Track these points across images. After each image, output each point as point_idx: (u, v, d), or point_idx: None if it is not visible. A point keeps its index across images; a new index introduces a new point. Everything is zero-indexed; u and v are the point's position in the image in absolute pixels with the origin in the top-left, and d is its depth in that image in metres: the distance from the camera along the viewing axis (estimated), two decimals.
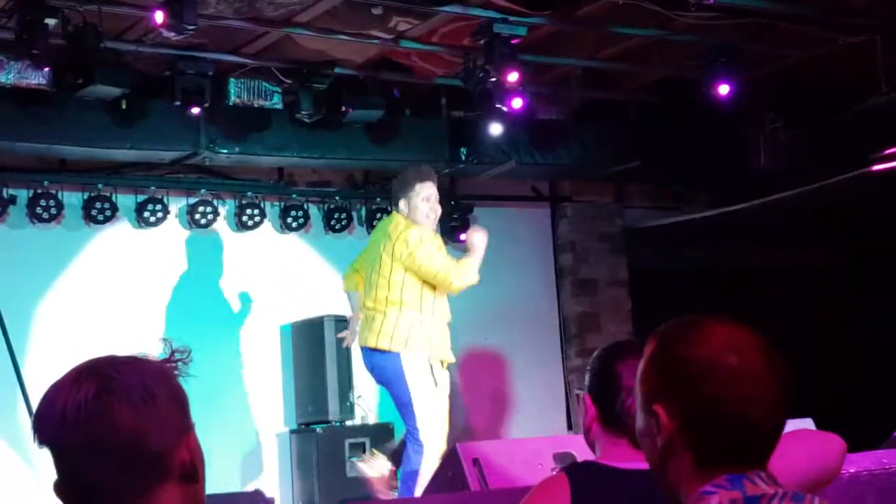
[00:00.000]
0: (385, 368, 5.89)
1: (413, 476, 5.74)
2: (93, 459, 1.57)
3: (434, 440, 5.81)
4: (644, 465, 2.33)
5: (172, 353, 1.68)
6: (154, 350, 1.71)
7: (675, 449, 1.70)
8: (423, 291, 5.89)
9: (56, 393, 1.61)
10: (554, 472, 4.49)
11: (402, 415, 5.93)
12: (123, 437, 1.57)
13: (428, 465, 5.68)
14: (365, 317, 5.98)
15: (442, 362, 5.95)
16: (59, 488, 1.61)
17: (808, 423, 5.28)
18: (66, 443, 1.58)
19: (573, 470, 2.44)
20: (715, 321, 1.73)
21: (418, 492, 5.58)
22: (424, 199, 5.92)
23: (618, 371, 2.46)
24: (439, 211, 6.04)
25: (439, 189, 7.93)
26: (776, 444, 1.72)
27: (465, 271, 5.92)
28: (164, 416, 1.60)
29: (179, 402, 1.64)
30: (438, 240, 6.06)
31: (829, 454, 2.33)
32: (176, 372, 1.67)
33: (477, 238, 6.03)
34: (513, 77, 6.93)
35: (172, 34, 6.06)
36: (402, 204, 5.94)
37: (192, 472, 1.62)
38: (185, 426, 1.64)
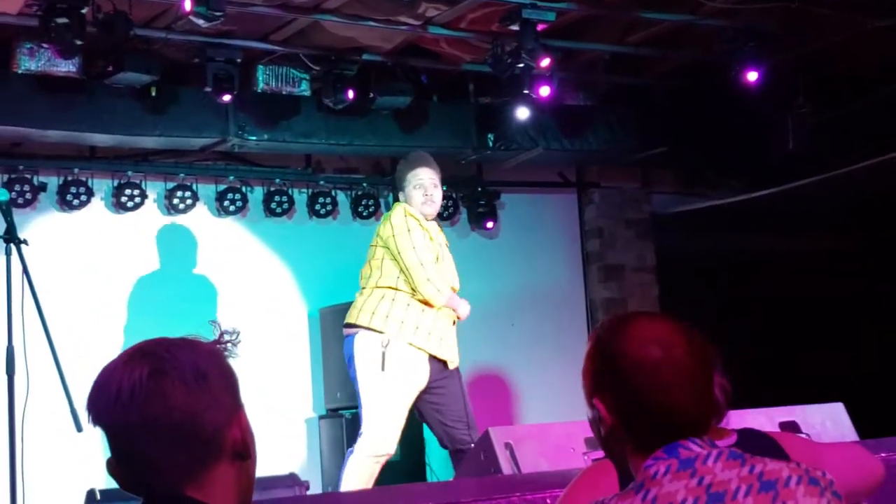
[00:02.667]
0: (344, 348, 5.60)
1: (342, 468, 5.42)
2: (147, 438, 1.60)
3: (369, 437, 5.38)
4: None
5: (222, 334, 1.71)
6: (203, 332, 1.74)
7: (618, 436, 1.86)
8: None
9: (110, 374, 1.64)
10: (586, 457, 4.51)
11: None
12: (177, 417, 1.60)
13: (355, 463, 5.33)
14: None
15: (441, 360, 5.58)
16: (114, 467, 1.64)
17: (839, 408, 5.29)
18: (120, 422, 1.61)
19: None
20: (643, 316, 1.91)
21: (342, 486, 5.28)
22: (417, 186, 5.67)
23: None
24: (437, 196, 5.70)
25: (463, 176, 7.91)
26: (708, 426, 1.85)
27: (437, 289, 5.50)
28: (215, 395, 1.63)
29: (230, 382, 1.68)
30: (438, 234, 5.73)
31: (871, 478, 2.45)
32: (226, 352, 1.70)
33: (463, 310, 5.67)
34: (545, 62, 6.91)
35: (201, 21, 6.08)
36: (401, 196, 5.78)
37: (244, 449, 1.65)
38: (236, 405, 1.67)
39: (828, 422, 5.19)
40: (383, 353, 5.41)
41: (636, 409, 1.82)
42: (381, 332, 5.45)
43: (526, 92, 7.32)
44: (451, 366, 5.60)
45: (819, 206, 8.69)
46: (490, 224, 8.83)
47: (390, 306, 5.50)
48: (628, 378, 1.82)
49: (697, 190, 9.52)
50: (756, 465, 1.76)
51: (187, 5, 5.96)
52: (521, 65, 6.99)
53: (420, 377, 5.50)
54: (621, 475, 1.92)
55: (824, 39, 7.59)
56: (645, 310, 2.05)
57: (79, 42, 6.19)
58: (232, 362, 1.70)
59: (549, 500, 3.53)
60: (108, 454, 1.66)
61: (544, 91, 7.32)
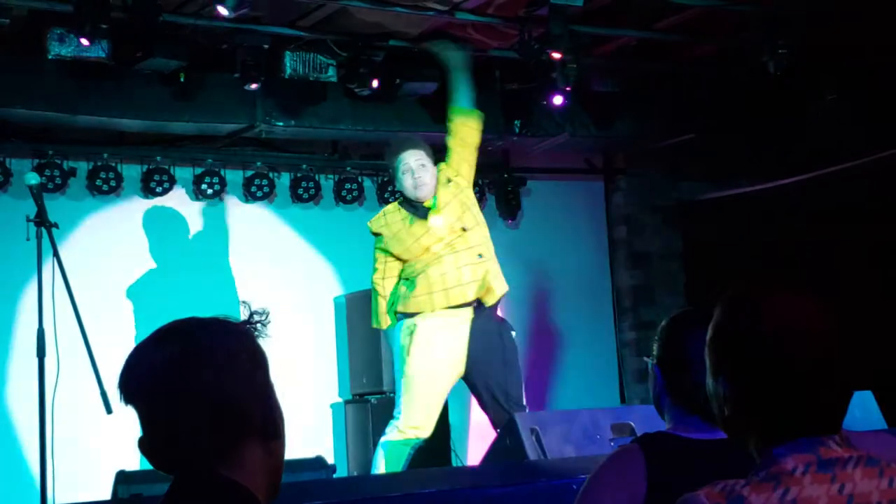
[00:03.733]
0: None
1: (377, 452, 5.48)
2: (177, 417, 1.62)
3: (401, 420, 5.45)
4: (717, 435, 2.34)
5: (251, 314, 1.73)
6: (233, 313, 1.75)
7: (744, 414, 1.73)
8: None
9: (141, 353, 1.66)
10: (612, 444, 4.52)
11: None
12: (207, 395, 1.61)
13: (385, 447, 5.42)
14: None
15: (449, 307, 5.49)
16: (145, 445, 1.66)
17: (867, 396, 5.27)
18: (151, 400, 1.63)
19: (646, 441, 2.40)
20: (780, 289, 1.74)
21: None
22: (405, 172, 5.56)
23: (687, 345, 2.39)
24: (427, 178, 5.57)
25: (490, 162, 7.86)
26: (845, 410, 1.73)
27: (377, 305, 5.66)
28: (245, 374, 1.65)
29: (260, 362, 1.69)
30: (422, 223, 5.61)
31: None
32: (256, 333, 1.71)
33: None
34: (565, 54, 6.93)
35: (226, 12, 6.12)
36: (397, 184, 5.71)
37: (274, 428, 1.67)
38: (265, 384, 1.69)
39: (856, 410, 5.18)
40: (410, 332, 5.55)
41: (771, 390, 1.69)
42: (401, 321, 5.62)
43: (553, 77, 7.30)
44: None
45: (848, 193, 8.63)
46: (510, 221, 8.85)
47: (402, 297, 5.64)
48: (764, 357, 1.69)
49: (725, 177, 9.48)
50: (894, 477, 1.68)
51: None
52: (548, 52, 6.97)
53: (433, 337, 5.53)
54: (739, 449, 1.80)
55: (852, 26, 7.53)
56: (785, 281, 1.86)
57: (105, 27, 6.22)
58: (261, 343, 1.72)
59: (574, 486, 3.53)
60: (137, 436, 1.68)
61: (557, 100, 7.45)
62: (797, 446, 1.68)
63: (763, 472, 1.68)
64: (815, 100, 8.33)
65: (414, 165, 5.55)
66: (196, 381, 1.61)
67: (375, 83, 7.42)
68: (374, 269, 5.71)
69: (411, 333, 5.49)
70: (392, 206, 5.80)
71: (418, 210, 5.60)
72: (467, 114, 5.83)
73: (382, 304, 5.64)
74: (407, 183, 5.56)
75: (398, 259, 5.63)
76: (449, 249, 5.51)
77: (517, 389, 5.50)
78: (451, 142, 5.78)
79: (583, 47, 7.36)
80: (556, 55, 6.98)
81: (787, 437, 1.69)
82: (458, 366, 5.50)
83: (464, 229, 5.55)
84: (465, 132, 5.76)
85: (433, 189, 5.59)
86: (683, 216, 9.42)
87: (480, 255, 5.53)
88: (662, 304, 9.07)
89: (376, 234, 5.71)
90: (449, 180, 5.65)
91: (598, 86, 8.41)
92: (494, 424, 5.46)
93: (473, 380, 5.54)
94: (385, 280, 5.65)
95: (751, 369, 1.70)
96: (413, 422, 5.39)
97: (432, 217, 5.53)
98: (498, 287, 5.58)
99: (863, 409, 5.16)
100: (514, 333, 5.64)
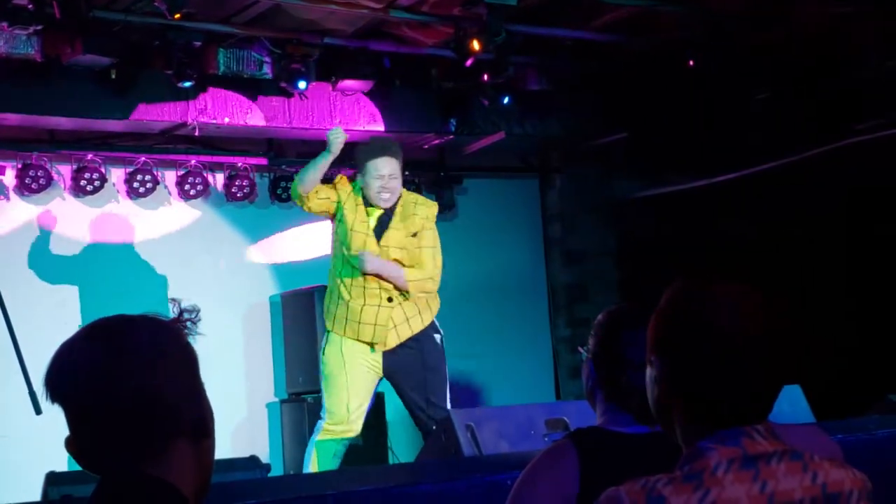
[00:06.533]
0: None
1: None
2: (104, 415, 1.59)
3: (326, 419, 5.44)
4: (648, 430, 2.36)
5: (182, 312, 1.71)
6: (162, 310, 1.73)
7: (674, 399, 1.74)
8: (337, 269, 5.54)
9: (67, 350, 1.63)
10: (546, 439, 4.54)
11: None
12: (134, 394, 1.59)
13: (315, 445, 5.42)
14: None
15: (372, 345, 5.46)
16: (72, 444, 1.63)
17: (795, 390, 5.35)
18: (78, 399, 1.60)
19: (578, 436, 2.40)
20: (724, 281, 1.75)
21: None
22: (376, 176, 5.41)
23: (623, 343, 2.39)
24: (395, 187, 5.45)
25: (427, 161, 7.83)
26: (774, 399, 1.74)
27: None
28: (174, 372, 1.63)
29: (189, 359, 1.67)
30: (368, 216, 5.50)
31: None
32: (185, 330, 1.69)
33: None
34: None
35: (165, 7, 6.08)
36: (358, 177, 5.50)
37: (204, 428, 1.64)
38: (195, 383, 1.67)
39: (784, 404, 5.25)
40: (341, 348, 5.51)
41: (701, 378, 1.69)
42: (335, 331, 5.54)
43: (487, 78, 7.34)
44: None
45: (780, 190, 8.75)
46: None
47: (336, 305, 5.58)
48: (698, 344, 1.69)
49: (659, 175, 9.57)
50: (818, 472, 1.68)
51: None
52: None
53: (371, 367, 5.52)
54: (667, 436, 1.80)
55: (785, 25, 7.63)
56: (726, 275, 1.85)
57: (38, 25, 6.13)
58: (192, 341, 1.70)
59: (508, 482, 3.54)
60: (66, 435, 1.66)
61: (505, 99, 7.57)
62: (721, 438, 1.68)
63: (687, 466, 1.68)
64: (749, 97, 8.43)
65: (386, 174, 5.43)
66: (123, 379, 1.58)
67: (312, 78, 7.38)
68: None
69: (326, 335, 5.53)
70: (355, 185, 5.57)
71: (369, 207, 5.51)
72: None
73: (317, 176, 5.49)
74: (373, 188, 5.42)
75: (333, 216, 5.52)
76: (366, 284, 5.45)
77: (440, 394, 5.45)
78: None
79: (517, 46, 7.39)
80: (489, 54, 7.00)
81: (712, 423, 1.69)
82: (376, 367, 5.48)
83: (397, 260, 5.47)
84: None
85: (394, 199, 5.49)
86: (618, 214, 9.49)
87: (390, 300, 5.45)
88: (597, 302, 9.13)
89: (336, 190, 5.52)
90: (415, 234, 5.51)
91: (533, 84, 8.45)
92: (419, 428, 5.47)
93: (395, 384, 5.53)
94: (316, 193, 5.49)
95: (684, 345, 1.71)
96: (336, 419, 5.39)
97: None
98: (403, 331, 5.47)
99: (791, 403, 5.24)
100: (438, 337, 5.56)
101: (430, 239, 5.55)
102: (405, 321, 5.47)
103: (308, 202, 5.52)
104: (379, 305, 5.41)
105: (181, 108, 7.47)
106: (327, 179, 5.65)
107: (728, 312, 1.70)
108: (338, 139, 5.48)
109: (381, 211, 5.49)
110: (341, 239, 5.48)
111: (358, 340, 5.44)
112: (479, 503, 3.52)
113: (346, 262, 5.47)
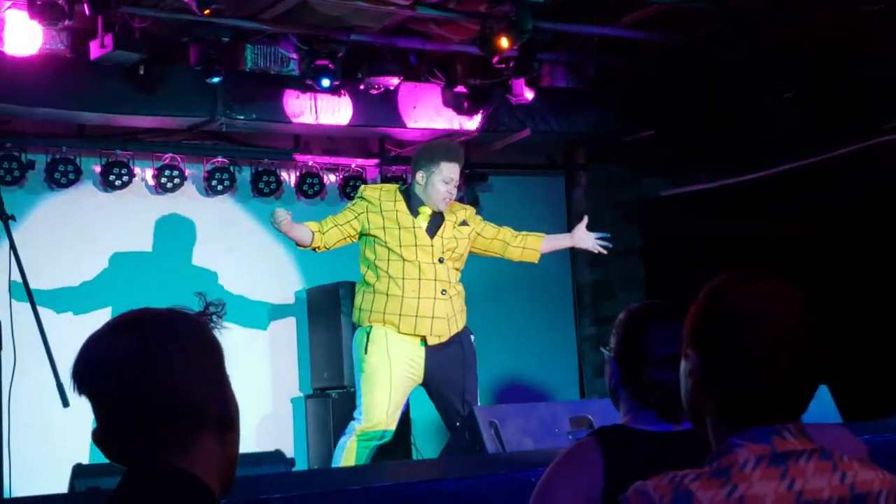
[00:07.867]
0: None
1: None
2: (131, 408, 1.61)
3: (362, 419, 5.34)
4: (672, 428, 2.35)
5: (207, 305, 1.72)
6: (189, 304, 1.75)
7: (706, 393, 1.73)
8: (374, 263, 5.49)
9: (95, 343, 1.65)
10: (570, 437, 4.54)
11: None
12: (161, 387, 1.61)
13: (347, 448, 5.34)
14: None
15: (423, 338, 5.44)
16: (99, 436, 1.65)
17: (822, 390, 5.32)
18: (105, 392, 1.62)
19: (602, 434, 2.40)
20: (767, 277, 1.75)
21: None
22: (445, 180, 5.41)
23: (644, 340, 2.38)
24: (454, 194, 5.52)
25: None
26: (809, 399, 1.74)
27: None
28: (199, 365, 1.65)
29: (215, 353, 1.69)
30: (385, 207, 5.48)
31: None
32: (211, 324, 1.71)
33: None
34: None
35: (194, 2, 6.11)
36: (419, 176, 5.45)
37: (229, 420, 1.66)
38: (220, 376, 1.68)
39: (812, 404, 5.22)
40: (386, 342, 5.47)
41: (735, 373, 1.69)
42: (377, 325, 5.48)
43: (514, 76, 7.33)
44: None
45: (808, 188, 8.70)
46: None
47: (374, 298, 5.54)
48: (735, 339, 1.69)
49: (686, 173, 9.54)
50: (847, 472, 1.67)
51: None
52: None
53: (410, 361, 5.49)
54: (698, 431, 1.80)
55: (812, 20, 7.59)
56: (770, 272, 1.84)
57: (67, 21, 6.17)
58: (218, 335, 1.71)
59: (533, 479, 3.54)
60: (94, 428, 1.67)
61: (528, 95, 7.55)
62: (752, 435, 1.68)
63: (716, 462, 1.68)
64: (775, 95, 8.38)
65: (454, 179, 5.46)
66: (150, 372, 1.60)
67: (339, 75, 7.40)
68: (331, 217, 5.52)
69: (368, 333, 5.45)
70: (391, 187, 5.59)
71: (414, 211, 5.49)
72: (532, 257, 6.03)
73: (304, 229, 5.46)
74: (440, 191, 5.41)
75: (364, 236, 5.51)
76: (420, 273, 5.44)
77: (473, 393, 5.48)
78: (500, 245, 5.78)
79: (544, 43, 7.39)
80: (517, 50, 7.00)
81: (745, 420, 1.69)
82: (418, 370, 5.45)
83: (440, 261, 5.48)
84: (514, 255, 5.92)
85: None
86: (644, 212, 9.45)
87: (444, 292, 5.47)
88: (622, 300, 9.10)
89: (364, 199, 5.52)
90: (464, 222, 5.58)
91: (560, 81, 8.44)
92: (448, 426, 5.44)
93: (432, 381, 5.48)
94: (327, 230, 5.48)
95: (721, 341, 1.71)
96: (373, 422, 5.34)
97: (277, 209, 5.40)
98: (453, 325, 5.50)
99: (818, 404, 5.21)
100: (472, 337, 5.61)
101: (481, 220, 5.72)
102: (454, 315, 5.51)
103: (320, 249, 5.56)
104: (434, 298, 5.42)
105: (209, 104, 7.50)
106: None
107: (769, 310, 1.70)
108: (279, 225, 5.39)
109: (432, 211, 5.49)
110: (385, 237, 5.43)
111: (414, 335, 5.40)
112: (502, 500, 3.52)
113: (398, 258, 5.41)
